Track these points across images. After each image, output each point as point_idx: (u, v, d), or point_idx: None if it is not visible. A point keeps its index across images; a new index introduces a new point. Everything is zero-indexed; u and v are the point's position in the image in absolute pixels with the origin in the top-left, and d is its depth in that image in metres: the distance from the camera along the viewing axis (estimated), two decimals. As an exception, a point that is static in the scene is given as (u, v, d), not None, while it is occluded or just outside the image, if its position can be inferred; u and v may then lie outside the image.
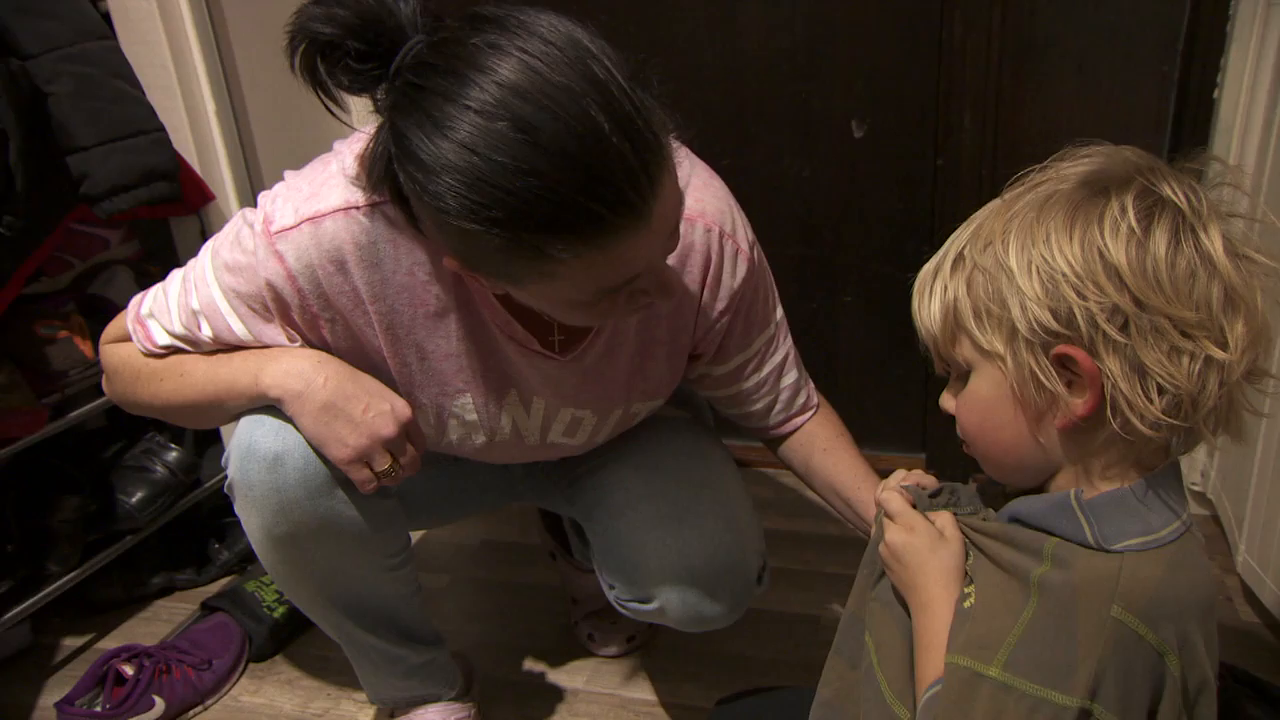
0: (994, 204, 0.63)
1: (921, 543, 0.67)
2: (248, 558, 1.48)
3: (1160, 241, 0.55)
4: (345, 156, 0.83)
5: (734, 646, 1.25)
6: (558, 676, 1.26)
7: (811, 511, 1.57)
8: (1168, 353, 0.55)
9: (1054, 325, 0.56)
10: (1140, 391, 0.56)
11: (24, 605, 1.23)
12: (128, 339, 0.90)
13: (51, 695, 1.24)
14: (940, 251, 0.63)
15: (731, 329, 0.94)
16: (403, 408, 0.86)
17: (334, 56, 0.68)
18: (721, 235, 0.88)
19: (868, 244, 1.54)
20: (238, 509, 0.91)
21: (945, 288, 0.61)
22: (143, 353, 0.89)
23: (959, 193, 1.43)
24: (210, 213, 1.35)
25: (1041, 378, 0.58)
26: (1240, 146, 1.24)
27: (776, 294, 0.99)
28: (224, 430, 1.47)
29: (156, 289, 0.90)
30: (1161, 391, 0.56)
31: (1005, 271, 0.57)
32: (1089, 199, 0.57)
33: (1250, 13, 1.19)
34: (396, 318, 0.85)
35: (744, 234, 0.91)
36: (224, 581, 1.47)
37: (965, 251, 0.61)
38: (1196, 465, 1.39)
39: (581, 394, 0.93)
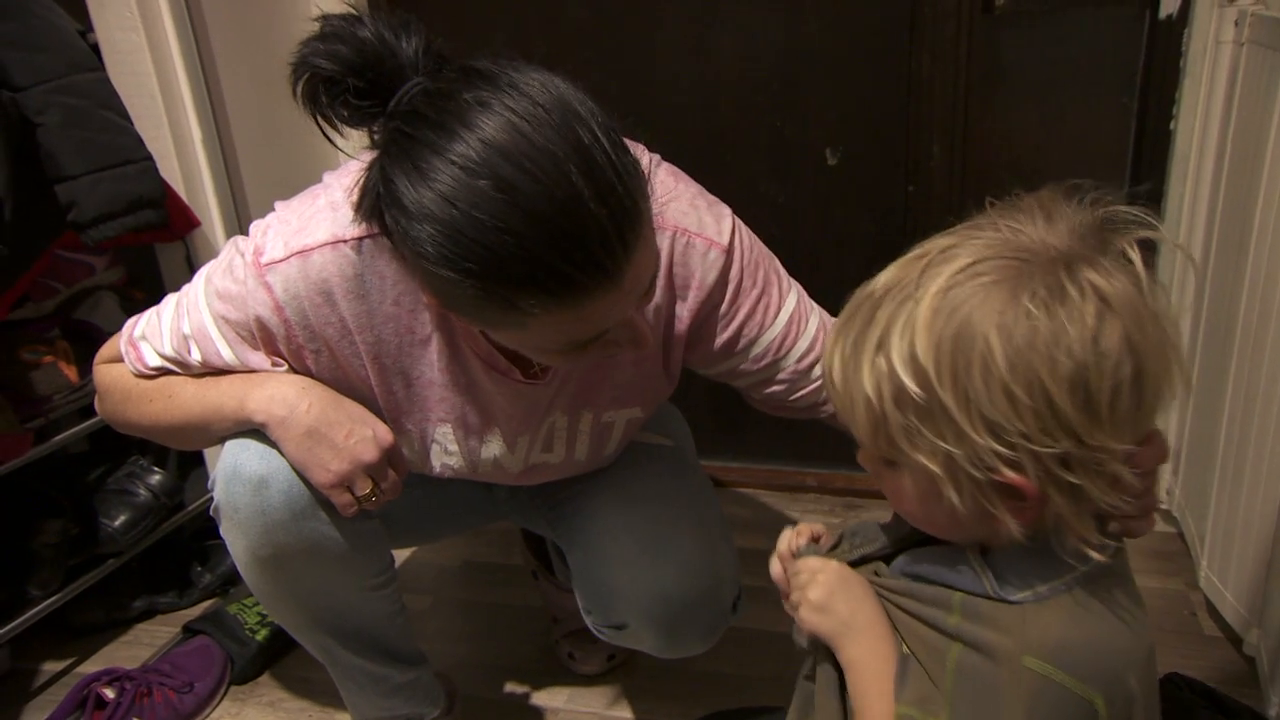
0: (909, 272, 0.57)
1: (838, 581, 0.67)
2: (230, 580, 1.49)
3: (1106, 383, 0.53)
4: (334, 189, 0.86)
5: (713, 665, 1.27)
6: (539, 696, 1.27)
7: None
8: (1111, 482, 0.55)
9: (998, 465, 0.54)
10: (1081, 517, 0.56)
11: (4, 629, 1.23)
12: (120, 360, 0.92)
13: (31, 719, 1.25)
14: (854, 324, 0.59)
15: (729, 316, 0.92)
16: (385, 433, 0.88)
17: (334, 91, 0.71)
18: (681, 234, 0.87)
19: (842, 268, 1.58)
20: (223, 531, 0.93)
21: (868, 390, 0.57)
22: (134, 374, 0.91)
23: (929, 218, 1.47)
24: (196, 239, 1.37)
25: (981, 499, 0.57)
26: (1195, 175, 1.29)
27: (783, 276, 0.95)
28: (208, 453, 1.48)
29: (150, 312, 0.93)
30: (1099, 514, 0.56)
31: (943, 410, 0.54)
32: (1040, 330, 0.53)
33: (1201, 49, 1.24)
34: (383, 347, 0.88)
35: (714, 225, 0.88)
36: (206, 604, 1.47)
37: (888, 344, 0.56)
38: (1162, 484, 1.43)
39: (553, 403, 0.94)
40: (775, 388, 0.96)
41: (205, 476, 1.49)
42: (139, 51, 1.24)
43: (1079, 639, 0.57)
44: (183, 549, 1.49)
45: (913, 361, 0.55)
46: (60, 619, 1.36)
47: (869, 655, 0.64)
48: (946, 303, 0.55)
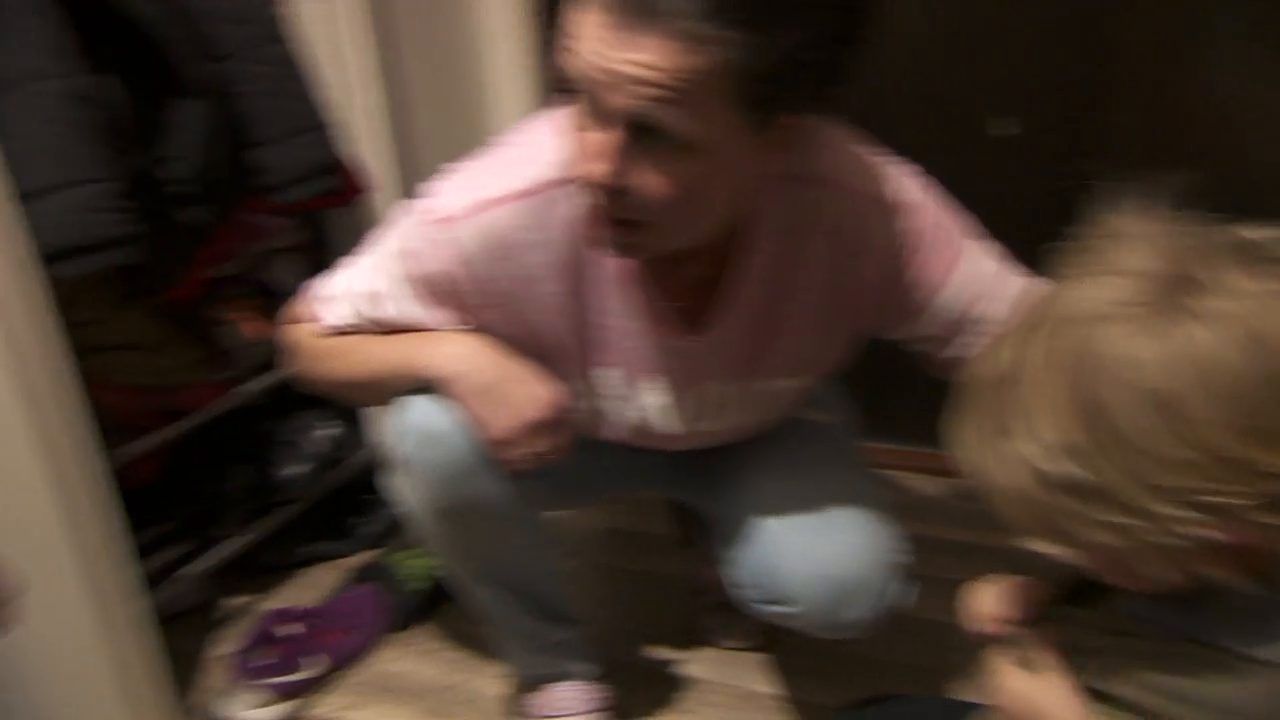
0: (1021, 349, 0.53)
1: (1023, 697, 0.63)
2: (390, 531, 1.56)
3: (1263, 398, 0.48)
4: (509, 146, 0.89)
5: (861, 648, 1.23)
6: (683, 666, 1.28)
7: (944, 516, 1.54)
8: None
9: (1189, 530, 0.49)
10: None
11: (195, 566, 1.34)
12: (311, 319, 0.97)
13: (221, 649, 1.34)
14: (982, 412, 0.55)
15: (914, 272, 0.89)
16: (556, 393, 0.91)
17: None
18: (855, 195, 0.85)
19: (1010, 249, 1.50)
20: (398, 483, 0.96)
21: (1015, 481, 0.53)
22: (322, 331, 0.96)
23: (1112, 198, 1.37)
24: (370, 203, 1.43)
25: (1180, 562, 0.52)
26: None
27: (969, 232, 0.92)
28: (374, 408, 1.55)
29: (337, 272, 0.97)
30: None
31: (1104, 487, 0.50)
32: (1177, 384, 0.48)
33: None
34: (559, 298, 0.89)
35: (895, 185, 0.87)
36: (368, 553, 1.55)
37: (1025, 429, 0.52)
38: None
39: (715, 369, 0.94)
40: (962, 339, 0.92)
41: (371, 430, 1.57)
42: (328, 20, 1.29)
43: None
44: (348, 499, 1.57)
45: (1056, 445, 0.51)
46: (245, 559, 1.45)
47: None
48: (1078, 376, 0.51)
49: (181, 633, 1.34)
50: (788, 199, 0.85)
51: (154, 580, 1.22)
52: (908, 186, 0.87)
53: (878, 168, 0.88)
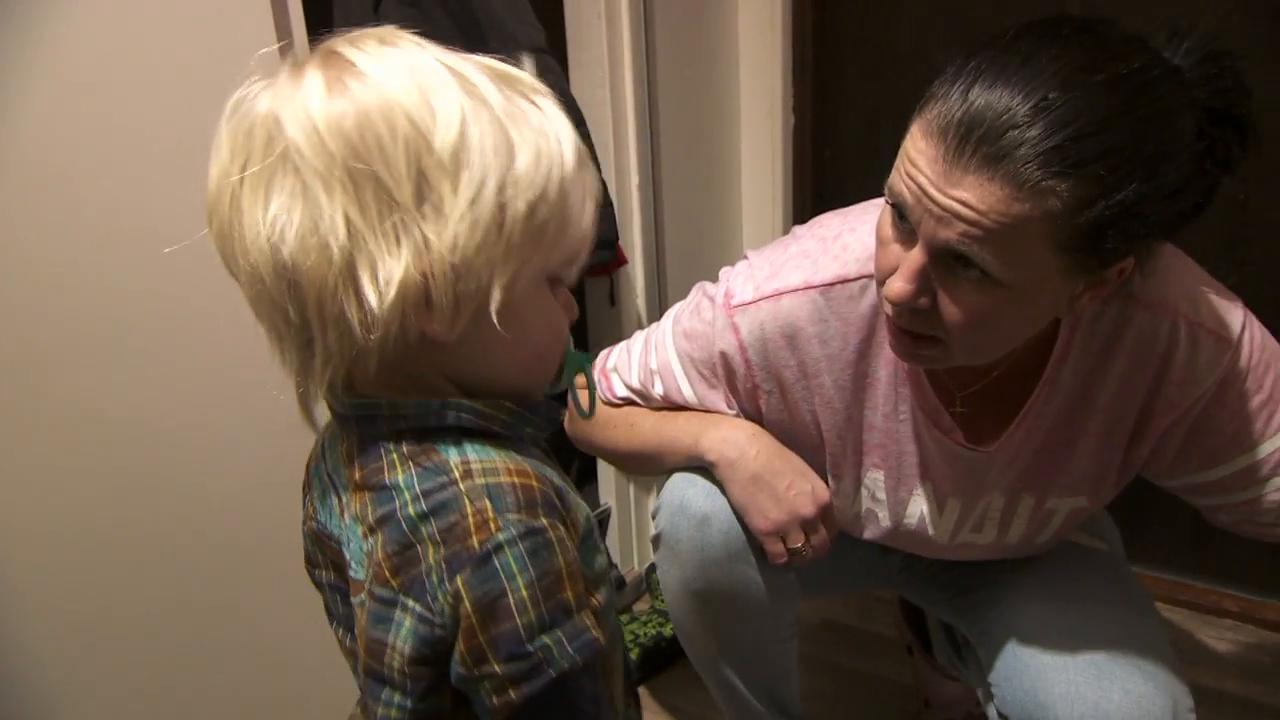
0: None
1: None
2: (607, 594, 1.58)
3: None
4: (805, 240, 0.90)
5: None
6: (908, 781, 1.21)
7: (1254, 672, 1.38)
8: None
9: None
10: None
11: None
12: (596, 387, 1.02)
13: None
14: None
15: (1221, 419, 0.83)
16: (822, 490, 0.90)
17: None
18: (1186, 324, 0.80)
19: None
20: (659, 559, 0.98)
21: None
22: (603, 401, 1.00)
23: None
24: (620, 276, 1.49)
25: None
26: None
27: None
28: (602, 469, 1.59)
29: (621, 346, 1.02)
30: None
31: None
32: None
33: None
34: (833, 391, 0.90)
35: (1220, 320, 0.81)
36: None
37: None
38: None
39: (991, 480, 0.90)
40: (1267, 505, 0.85)
41: (595, 492, 1.61)
42: (602, 106, 1.38)
43: None
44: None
45: None
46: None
47: None
48: None
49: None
50: (1101, 313, 0.82)
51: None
52: (1234, 320, 0.81)
53: (1203, 293, 0.82)
